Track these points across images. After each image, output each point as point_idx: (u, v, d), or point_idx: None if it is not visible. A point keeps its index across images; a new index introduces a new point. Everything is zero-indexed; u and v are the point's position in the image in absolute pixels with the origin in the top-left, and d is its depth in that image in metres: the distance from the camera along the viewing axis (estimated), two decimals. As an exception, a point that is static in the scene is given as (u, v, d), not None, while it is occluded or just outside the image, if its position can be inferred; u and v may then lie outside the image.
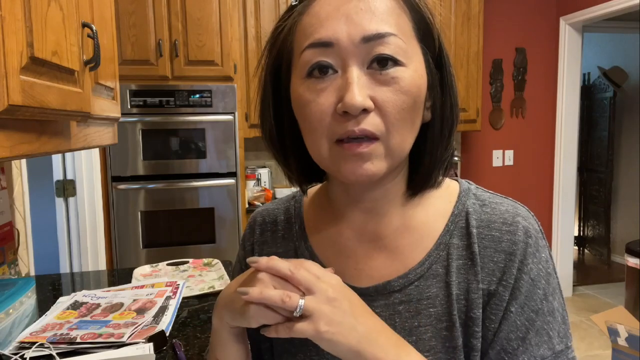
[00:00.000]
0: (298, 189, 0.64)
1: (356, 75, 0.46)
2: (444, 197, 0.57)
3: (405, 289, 0.54)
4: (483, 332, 0.51)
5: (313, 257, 0.59)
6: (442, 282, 0.53)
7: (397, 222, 0.56)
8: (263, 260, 0.48)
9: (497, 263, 0.52)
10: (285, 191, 3.01)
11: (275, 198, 3.25)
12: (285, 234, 0.64)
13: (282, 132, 0.56)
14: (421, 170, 0.54)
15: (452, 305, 0.52)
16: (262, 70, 0.57)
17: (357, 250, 0.57)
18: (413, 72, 0.48)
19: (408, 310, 0.53)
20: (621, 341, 2.05)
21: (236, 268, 0.69)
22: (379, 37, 0.47)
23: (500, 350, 0.50)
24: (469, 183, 0.59)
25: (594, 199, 4.82)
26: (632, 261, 2.76)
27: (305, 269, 0.48)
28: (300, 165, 0.58)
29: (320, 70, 0.48)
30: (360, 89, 0.46)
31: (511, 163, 3.60)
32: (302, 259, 0.52)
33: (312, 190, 0.66)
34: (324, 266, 0.56)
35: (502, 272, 0.51)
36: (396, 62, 0.47)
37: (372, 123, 0.47)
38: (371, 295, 0.54)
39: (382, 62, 0.47)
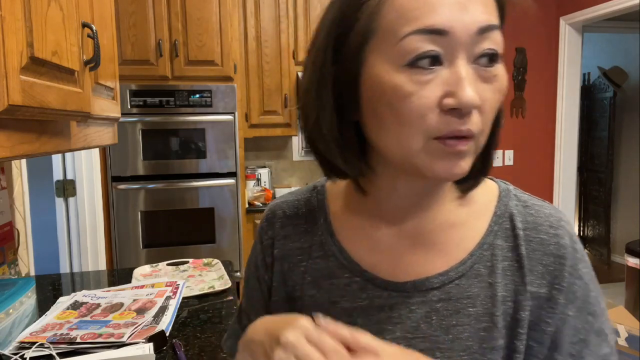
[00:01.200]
0: (324, 180, 0.61)
1: (465, 69, 0.43)
2: (485, 195, 0.56)
3: (445, 287, 0.52)
4: (536, 335, 0.51)
5: (341, 252, 0.57)
6: (485, 283, 0.52)
7: (441, 218, 0.55)
8: (324, 322, 0.45)
9: (547, 266, 0.51)
10: (285, 191, 3.02)
11: (275, 198, 3.24)
12: (308, 227, 0.61)
13: (341, 120, 0.51)
14: (477, 167, 0.51)
15: (495, 307, 0.51)
16: (319, 50, 0.50)
17: (395, 245, 0.55)
18: (504, 69, 0.46)
19: (447, 308, 0.52)
20: (621, 341, 2.05)
21: (251, 263, 0.67)
22: (490, 30, 0.44)
23: (567, 355, 0.50)
24: (505, 183, 0.58)
25: (594, 199, 4.82)
26: (632, 261, 2.76)
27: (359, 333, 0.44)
28: (355, 156, 0.53)
29: (430, 61, 0.43)
30: (472, 85, 0.43)
31: (511, 163, 3.60)
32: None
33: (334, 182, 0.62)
34: (352, 261, 0.56)
35: (552, 276, 0.51)
36: (498, 59, 0.45)
37: (475, 122, 0.44)
38: (407, 292, 0.53)
39: (491, 58, 0.45)
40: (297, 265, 0.60)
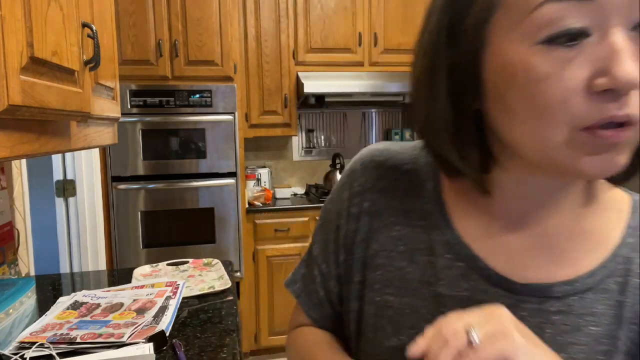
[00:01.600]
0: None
1: (622, 40, 0.35)
2: (616, 203, 0.49)
3: (567, 299, 0.45)
4: None
5: (449, 228, 0.49)
6: (613, 301, 0.45)
7: (570, 222, 0.47)
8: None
9: None
10: (286, 191, 3.02)
11: (276, 198, 3.27)
12: (411, 188, 0.52)
13: (458, 111, 0.44)
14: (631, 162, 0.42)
15: (621, 329, 0.44)
16: (431, 33, 0.44)
17: (513, 243, 0.47)
18: None
19: (565, 322, 0.45)
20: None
21: (331, 208, 0.57)
22: None
23: None
24: (632, 192, 0.52)
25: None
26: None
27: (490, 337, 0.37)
28: (474, 152, 0.45)
29: (573, 37, 0.35)
30: (632, 58, 0.35)
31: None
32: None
33: None
34: (460, 241, 0.48)
35: None
36: None
37: (635, 105, 0.36)
38: (521, 295, 0.45)
39: None
40: (389, 227, 0.52)
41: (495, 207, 0.48)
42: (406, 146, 0.56)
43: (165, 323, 1.07)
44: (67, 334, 0.99)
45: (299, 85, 2.84)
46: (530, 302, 0.45)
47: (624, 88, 0.35)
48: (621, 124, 0.36)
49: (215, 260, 1.62)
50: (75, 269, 2.24)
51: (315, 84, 2.75)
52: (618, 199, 0.50)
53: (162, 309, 1.15)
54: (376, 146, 0.56)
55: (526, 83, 0.37)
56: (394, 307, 0.50)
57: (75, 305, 1.18)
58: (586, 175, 0.39)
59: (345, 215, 0.55)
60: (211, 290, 1.34)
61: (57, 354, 0.92)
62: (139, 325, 1.03)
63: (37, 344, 0.94)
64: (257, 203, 2.74)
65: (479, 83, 0.42)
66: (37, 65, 0.66)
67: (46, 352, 0.93)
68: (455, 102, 0.43)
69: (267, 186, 2.99)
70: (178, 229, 2.46)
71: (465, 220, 0.49)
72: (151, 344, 0.96)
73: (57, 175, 2.20)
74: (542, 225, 0.47)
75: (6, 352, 0.93)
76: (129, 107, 2.34)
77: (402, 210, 0.51)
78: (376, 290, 0.51)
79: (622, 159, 0.38)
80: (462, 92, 0.43)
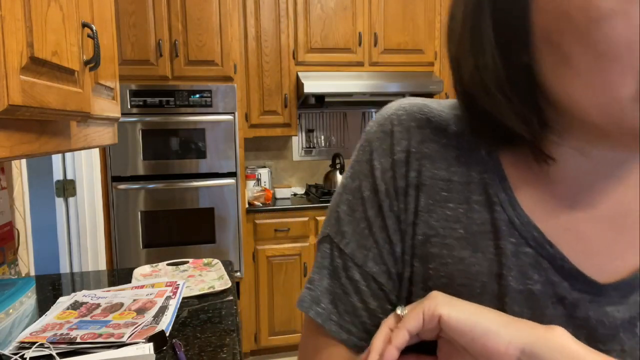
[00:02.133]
0: None
1: None
2: None
3: None
4: None
5: (513, 205, 0.40)
6: None
7: None
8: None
9: None
10: (286, 191, 3.02)
11: (276, 198, 3.27)
12: (463, 155, 0.42)
13: (507, 64, 0.37)
14: None
15: None
16: None
17: (583, 225, 0.39)
18: None
19: None
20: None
21: (359, 185, 0.44)
22: None
23: None
24: None
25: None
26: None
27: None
28: (531, 111, 0.37)
29: None
30: None
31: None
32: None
33: None
34: (528, 221, 0.39)
35: None
36: None
37: None
38: (608, 295, 0.38)
39: None
40: (441, 205, 0.41)
41: (558, 184, 0.40)
42: (445, 104, 0.45)
43: (165, 323, 1.07)
44: (67, 334, 0.99)
45: (299, 85, 2.84)
46: (614, 295, 0.38)
47: None
48: None
49: (215, 260, 1.62)
50: (75, 269, 2.24)
51: (315, 84, 2.75)
52: None
53: (162, 309, 1.15)
54: (411, 101, 0.45)
55: (585, 24, 0.30)
56: None
57: (75, 305, 1.18)
58: None
59: (390, 190, 0.42)
60: (211, 290, 1.34)
61: (57, 354, 0.92)
62: (139, 325, 1.03)
63: (37, 344, 0.94)
64: (257, 203, 2.74)
65: (528, 29, 0.35)
66: (37, 65, 0.66)
67: (46, 352, 0.93)
68: (503, 54, 0.36)
69: (267, 186, 2.99)
70: (178, 229, 2.47)
71: (529, 197, 0.40)
72: (151, 344, 0.96)
73: (57, 175, 2.20)
74: (614, 204, 0.39)
75: (6, 352, 0.93)
76: (129, 107, 2.34)
77: (456, 183, 0.41)
78: (429, 289, 0.40)
79: None
80: (510, 42, 0.36)
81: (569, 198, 0.40)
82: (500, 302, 0.39)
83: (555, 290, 0.38)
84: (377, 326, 0.41)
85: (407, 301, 0.42)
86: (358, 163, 0.44)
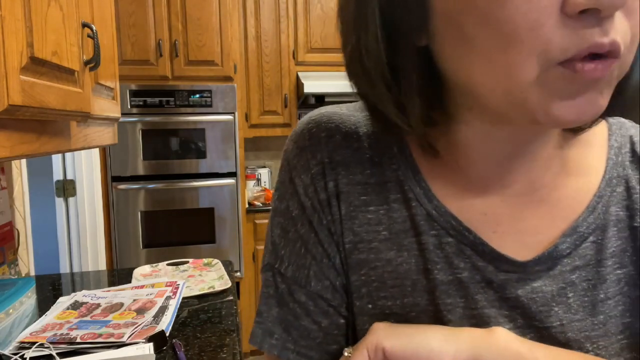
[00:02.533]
0: None
1: None
2: (596, 135, 0.43)
3: (577, 250, 0.38)
4: None
5: (428, 197, 0.40)
6: (627, 230, 0.39)
7: (556, 166, 0.40)
8: None
9: None
10: (285, 191, 3.01)
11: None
12: (375, 156, 0.41)
13: (397, 46, 0.35)
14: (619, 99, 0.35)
15: None
16: None
17: (498, 207, 0.40)
18: None
19: (587, 278, 0.38)
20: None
21: (288, 205, 0.43)
22: None
23: None
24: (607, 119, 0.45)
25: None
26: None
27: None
28: (417, 101, 0.36)
29: None
30: None
31: None
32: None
33: None
34: (445, 211, 0.39)
35: None
36: None
37: (621, 31, 0.29)
38: (532, 271, 0.38)
39: None
40: (362, 210, 0.41)
41: (468, 169, 0.40)
42: (353, 107, 0.45)
43: (165, 323, 1.07)
44: (67, 334, 0.99)
45: (299, 85, 2.84)
46: (542, 273, 0.38)
47: (608, 8, 0.27)
48: (603, 55, 0.29)
49: (215, 260, 1.62)
50: (75, 269, 2.24)
51: (315, 84, 2.75)
52: (597, 131, 0.43)
53: (162, 309, 1.15)
54: (321, 111, 0.44)
55: (488, 4, 0.29)
56: (395, 313, 0.40)
57: (75, 305, 1.18)
58: (561, 123, 0.31)
59: (317, 204, 0.41)
60: (211, 290, 1.34)
61: (57, 354, 0.92)
62: (139, 325, 1.03)
63: (37, 344, 0.94)
64: (257, 203, 2.74)
65: (426, 9, 0.33)
66: (37, 65, 0.66)
67: (46, 352, 0.93)
68: (391, 35, 0.34)
69: (267, 186, 2.99)
70: (178, 229, 2.47)
71: (443, 187, 0.40)
72: (151, 344, 0.96)
73: (57, 175, 2.20)
74: (524, 180, 0.40)
75: (6, 352, 0.93)
76: (129, 107, 2.34)
77: (373, 185, 0.41)
78: (366, 296, 0.41)
79: (604, 100, 0.31)
80: (401, 22, 0.34)
81: (480, 181, 0.40)
82: (431, 296, 0.39)
83: (483, 275, 0.38)
84: (335, 344, 0.42)
85: (350, 311, 0.42)
86: (282, 184, 0.44)
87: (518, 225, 0.39)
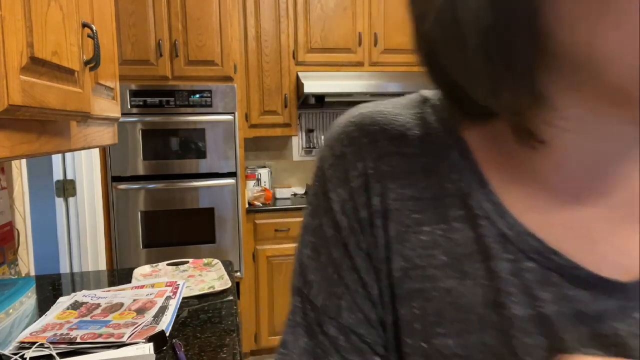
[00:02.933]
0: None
1: None
2: None
3: None
4: None
5: (501, 213, 0.32)
6: None
7: None
8: None
9: None
10: (286, 191, 3.02)
11: (276, 198, 3.28)
12: (429, 165, 0.34)
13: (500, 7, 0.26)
14: None
15: None
16: None
17: (592, 221, 0.32)
18: None
19: None
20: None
21: (320, 224, 0.36)
22: None
23: None
24: None
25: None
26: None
27: None
28: (525, 72, 0.27)
29: None
30: None
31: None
32: None
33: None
34: (523, 230, 0.31)
35: None
36: None
37: None
38: (634, 298, 0.30)
39: None
40: (414, 229, 0.33)
41: (553, 172, 0.32)
42: (399, 103, 0.37)
43: (165, 323, 1.07)
44: (67, 334, 0.99)
45: (299, 85, 2.84)
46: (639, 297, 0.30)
47: None
48: None
49: (215, 260, 1.62)
50: (75, 269, 2.24)
51: (315, 84, 2.75)
52: None
53: (162, 309, 1.15)
54: (361, 110, 0.37)
55: None
56: (456, 354, 0.32)
57: (75, 305, 1.18)
58: None
59: (355, 225, 0.35)
60: (211, 290, 1.34)
61: (57, 354, 0.92)
62: (139, 325, 1.03)
63: (37, 344, 0.94)
64: (257, 203, 2.74)
65: None
66: (37, 65, 0.66)
67: (46, 352, 0.93)
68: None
69: (267, 186, 2.99)
70: (178, 229, 2.47)
71: (518, 199, 0.32)
72: (151, 344, 0.96)
73: (57, 175, 2.20)
74: (627, 189, 0.31)
75: (6, 352, 0.93)
76: (129, 107, 2.34)
77: (428, 200, 0.33)
78: (419, 333, 0.33)
79: None
80: None
81: (568, 190, 0.32)
82: (504, 335, 0.31)
83: (574, 307, 0.30)
84: None
85: (398, 350, 0.35)
86: (315, 197, 0.37)
87: (618, 244, 0.31)
